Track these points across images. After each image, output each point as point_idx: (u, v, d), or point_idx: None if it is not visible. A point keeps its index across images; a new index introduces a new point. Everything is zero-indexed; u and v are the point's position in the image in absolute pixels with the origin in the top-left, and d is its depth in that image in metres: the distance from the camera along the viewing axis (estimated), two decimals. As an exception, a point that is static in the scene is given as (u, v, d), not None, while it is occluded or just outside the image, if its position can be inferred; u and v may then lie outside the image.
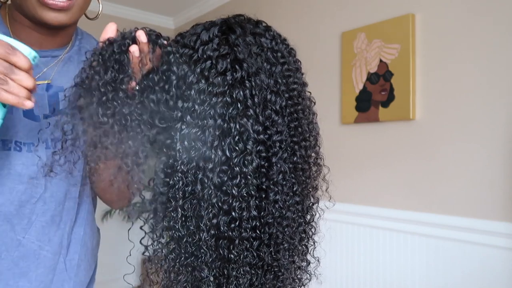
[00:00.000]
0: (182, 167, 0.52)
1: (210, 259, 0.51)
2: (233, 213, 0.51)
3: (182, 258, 0.52)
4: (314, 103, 0.63)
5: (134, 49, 0.52)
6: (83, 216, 0.82)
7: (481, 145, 1.51)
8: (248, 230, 0.52)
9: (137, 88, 0.54)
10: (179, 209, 0.52)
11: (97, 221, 0.89)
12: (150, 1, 3.18)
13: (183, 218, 0.52)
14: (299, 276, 0.62)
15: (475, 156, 1.53)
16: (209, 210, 0.51)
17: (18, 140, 0.72)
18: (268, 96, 0.54)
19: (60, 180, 0.75)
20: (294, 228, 0.58)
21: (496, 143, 1.47)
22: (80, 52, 0.82)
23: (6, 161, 0.70)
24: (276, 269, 0.55)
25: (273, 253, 0.54)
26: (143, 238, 0.56)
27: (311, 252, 0.64)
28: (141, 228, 0.57)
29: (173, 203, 0.52)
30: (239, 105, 0.51)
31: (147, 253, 0.56)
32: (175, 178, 0.52)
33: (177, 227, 0.52)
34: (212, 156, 0.51)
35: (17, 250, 0.71)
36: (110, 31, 0.55)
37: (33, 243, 0.72)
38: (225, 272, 0.52)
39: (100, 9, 0.84)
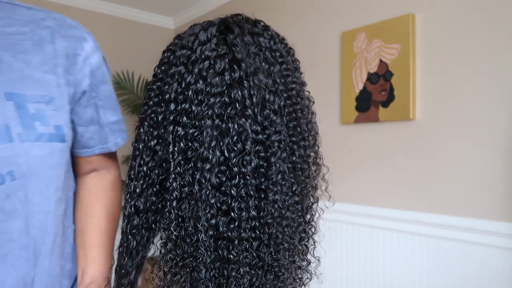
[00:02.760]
0: (178, 168, 0.52)
1: (209, 260, 0.51)
2: (232, 214, 0.51)
3: (179, 259, 0.52)
4: (313, 102, 0.63)
5: None
6: (50, 248, 0.69)
7: (481, 145, 1.51)
8: (247, 231, 0.52)
9: None
10: (174, 210, 0.52)
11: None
12: (150, 1, 3.18)
13: (180, 219, 0.52)
14: (299, 276, 0.62)
15: (475, 156, 1.53)
16: (207, 211, 0.51)
17: None
18: (267, 96, 0.53)
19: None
20: (294, 228, 0.58)
21: (496, 143, 1.47)
22: (3, 38, 0.64)
23: None
24: (276, 269, 0.55)
25: (273, 253, 0.54)
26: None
27: (311, 251, 0.64)
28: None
29: (168, 204, 0.52)
30: (237, 105, 0.51)
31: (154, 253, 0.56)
32: (170, 180, 0.52)
33: (171, 228, 0.52)
34: (210, 157, 0.50)
35: None
36: None
37: None
38: (225, 273, 0.52)
39: None
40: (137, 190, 0.56)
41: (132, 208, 0.56)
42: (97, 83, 0.75)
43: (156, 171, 0.55)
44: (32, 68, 0.65)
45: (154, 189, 0.55)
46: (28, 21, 0.66)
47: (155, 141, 0.55)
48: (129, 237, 0.56)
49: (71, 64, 0.69)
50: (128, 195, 0.56)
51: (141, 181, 0.55)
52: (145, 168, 0.55)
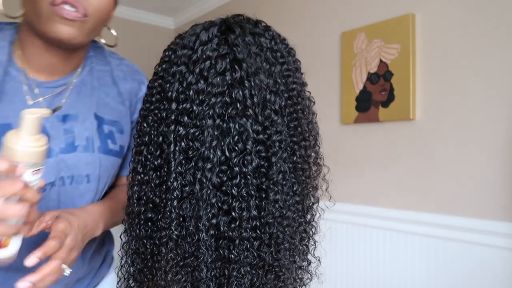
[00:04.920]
0: (179, 167, 0.52)
1: (210, 260, 0.51)
2: (233, 213, 0.51)
3: (180, 258, 0.52)
4: (314, 103, 0.63)
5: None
6: None
7: (481, 145, 1.51)
8: (248, 230, 0.52)
9: None
10: (175, 210, 0.52)
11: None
12: (150, 1, 3.18)
13: (181, 219, 0.52)
14: (300, 276, 0.62)
15: (475, 156, 1.53)
16: (208, 210, 0.51)
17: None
18: (268, 96, 0.53)
19: None
20: (294, 228, 0.58)
21: (496, 143, 1.47)
22: (92, 73, 0.81)
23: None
24: (277, 269, 0.55)
25: (273, 253, 0.54)
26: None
27: (312, 251, 0.64)
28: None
29: (168, 203, 0.52)
30: (238, 105, 0.51)
31: None
32: (171, 179, 0.52)
33: (172, 227, 0.52)
34: (211, 156, 0.51)
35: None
36: None
37: None
38: (226, 273, 0.52)
39: (115, 36, 0.85)
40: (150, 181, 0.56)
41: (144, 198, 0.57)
42: None
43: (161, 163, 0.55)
44: (110, 98, 0.83)
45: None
46: (108, 62, 0.86)
47: (161, 138, 0.55)
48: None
49: (133, 101, 0.87)
50: (137, 186, 0.57)
51: (151, 172, 0.56)
52: (155, 162, 0.55)
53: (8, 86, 0.71)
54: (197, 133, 0.52)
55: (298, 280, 0.62)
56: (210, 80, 0.52)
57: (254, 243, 0.52)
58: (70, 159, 0.74)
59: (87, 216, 0.73)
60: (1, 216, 0.51)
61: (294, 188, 0.57)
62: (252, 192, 0.51)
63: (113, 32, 0.84)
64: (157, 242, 0.55)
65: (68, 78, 0.78)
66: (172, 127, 0.53)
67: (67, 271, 0.62)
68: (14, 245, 0.59)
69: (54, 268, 0.59)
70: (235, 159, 0.51)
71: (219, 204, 0.51)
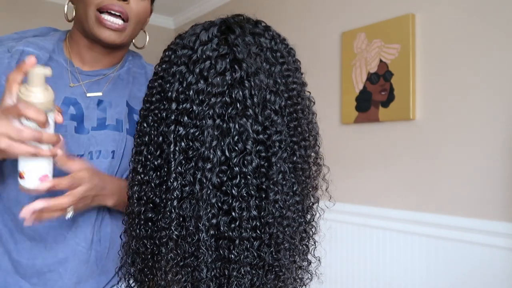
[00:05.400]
0: (179, 167, 0.52)
1: (210, 260, 0.51)
2: (233, 213, 0.51)
3: (180, 258, 0.52)
4: (314, 102, 0.63)
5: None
6: (108, 217, 0.91)
7: (481, 145, 1.51)
8: (248, 230, 0.52)
9: None
10: (175, 210, 0.52)
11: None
12: (150, 2, 3.18)
13: (181, 219, 0.52)
14: (300, 276, 0.62)
15: (475, 156, 1.53)
16: (208, 210, 0.51)
17: (71, 154, 0.78)
18: (268, 96, 0.53)
19: None
20: (294, 228, 0.58)
21: (496, 143, 1.47)
22: (129, 72, 0.95)
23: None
24: (277, 269, 0.55)
25: (274, 253, 0.54)
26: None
27: (312, 251, 0.64)
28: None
29: (168, 203, 0.52)
30: (238, 105, 0.51)
31: None
32: (171, 179, 0.52)
33: (172, 228, 0.52)
34: (211, 156, 0.51)
35: (62, 243, 0.84)
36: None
37: (73, 239, 0.84)
38: (226, 273, 0.52)
39: (147, 40, 0.98)
40: (150, 181, 0.56)
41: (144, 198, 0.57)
42: None
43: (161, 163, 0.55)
44: (141, 93, 0.91)
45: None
46: (144, 67, 0.99)
47: (161, 138, 0.55)
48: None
49: None
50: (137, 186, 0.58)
51: (151, 172, 0.56)
52: (155, 162, 0.55)
53: (55, 71, 0.85)
54: (197, 133, 0.52)
55: (298, 280, 0.62)
56: (210, 80, 0.52)
57: (254, 243, 0.52)
58: (100, 135, 0.85)
59: (109, 181, 0.81)
60: (19, 135, 0.59)
61: (294, 188, 0.57)
62: (252, 192, 0.51)
63: (147, 36, 0.97)
64: (157, 242, 0.55)
65: (106, 70, 0.91)
66: (172, 127, 0.53)
67: (69, 214, 0.70)
68: (30, 177, 0.65)
69: (60, 203, 0.68)
70: (235, 159, 0.51)
71: (219, 204, 0.51)
